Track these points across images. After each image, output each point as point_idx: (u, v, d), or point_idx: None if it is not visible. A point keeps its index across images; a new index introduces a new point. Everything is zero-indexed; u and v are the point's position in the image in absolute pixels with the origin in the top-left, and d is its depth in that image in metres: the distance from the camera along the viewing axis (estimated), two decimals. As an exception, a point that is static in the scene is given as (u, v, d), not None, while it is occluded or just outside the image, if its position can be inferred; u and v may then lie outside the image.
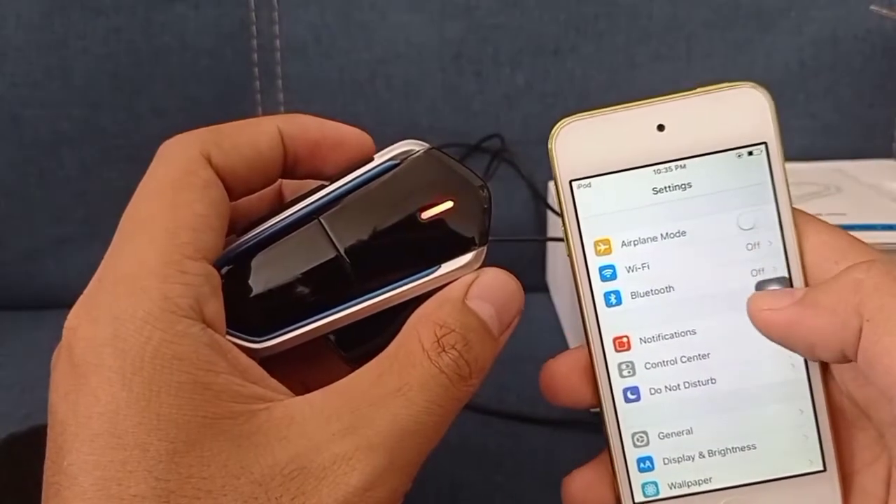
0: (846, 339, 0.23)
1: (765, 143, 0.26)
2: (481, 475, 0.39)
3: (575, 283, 0.27)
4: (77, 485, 0.21)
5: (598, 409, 0.27)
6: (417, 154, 0.26)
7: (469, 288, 0.25)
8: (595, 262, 0.27)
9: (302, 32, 0.54)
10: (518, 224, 0.56)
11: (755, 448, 0.26)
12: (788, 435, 0.26)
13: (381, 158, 0.27)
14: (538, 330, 0.51)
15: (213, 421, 0.21)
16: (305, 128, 0.27)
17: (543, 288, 0.57)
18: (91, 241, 0.54)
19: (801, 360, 0.26)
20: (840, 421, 0.26)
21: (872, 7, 0.53)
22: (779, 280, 0.26)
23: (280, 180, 0.29)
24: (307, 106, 0.55)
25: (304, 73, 0.54)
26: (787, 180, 0.26)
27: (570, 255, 0.27)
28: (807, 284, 0.26)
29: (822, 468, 0.26)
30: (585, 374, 0.27)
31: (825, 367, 0.26)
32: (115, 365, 0.21)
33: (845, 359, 0.24)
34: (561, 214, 0.27)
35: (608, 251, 0.27)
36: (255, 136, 0.26)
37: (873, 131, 0.56)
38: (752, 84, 0.26)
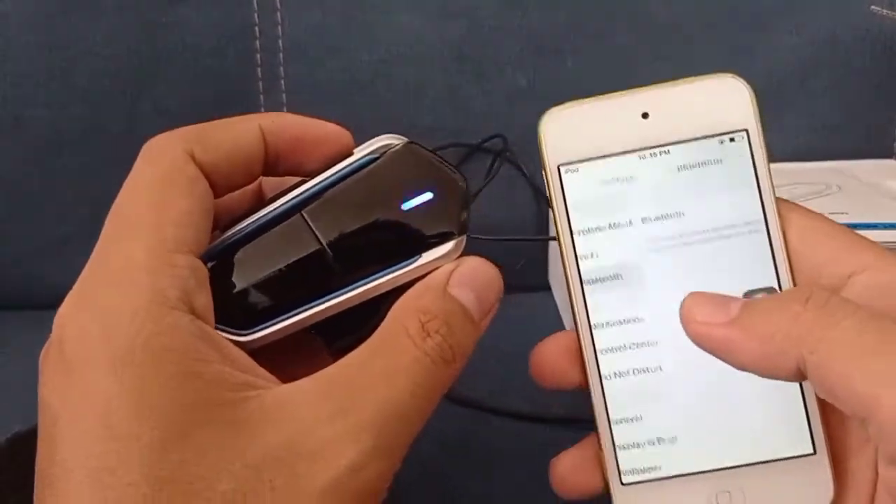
0: (783, 366, 0.23)
1: (746, 129, 0.27)
2: (481, 473, 0.39)
3: (563, 265, 0.27)
4: (71, 476, 0.21)
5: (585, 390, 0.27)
6: (396, 148, 0.27)
7: (450, 276, 0.26)
8: (582, 246, 0.27)
9: (304, 33, 0.54)
10: (520, 223, 0.57)
11: (744, 430, 0.27)
12: (777, 417, 0.27)
13: (360, 153, 0.27)
14: (540, 329, 0.50)
15: (205, 409, 0.22)
16: (286, 124, 0.27)
17: (545, 287, 0.57)
18: (93, 242, 0.53)
19: None
20: (829, 404, 0.26)
21: (872, 7, 0.53)
22: (767, 290, 0.26)
23: (260, 178, 0.29)
24: (309, 107, 0.55)
25: (306, 74, 0.54)
26: (769, 167, 0.27)
27: (558, 239, 0.27)
28: (791, 269, 0.26)
29: (811, 451, 0.26)
30: (574, 356, 0.28)
31: None
32: (106, 357, 0.22)
33: (779, 378, 0.23)
34: (549, 199, 0.28)
35: (595, 234, 0.27)
36: (236, 134, 0.27)
37: (873, 131, 0.56)
38: (732, 74, 0.27)
